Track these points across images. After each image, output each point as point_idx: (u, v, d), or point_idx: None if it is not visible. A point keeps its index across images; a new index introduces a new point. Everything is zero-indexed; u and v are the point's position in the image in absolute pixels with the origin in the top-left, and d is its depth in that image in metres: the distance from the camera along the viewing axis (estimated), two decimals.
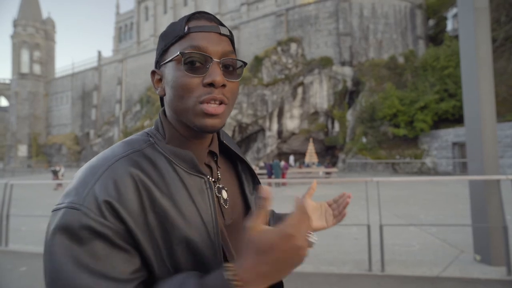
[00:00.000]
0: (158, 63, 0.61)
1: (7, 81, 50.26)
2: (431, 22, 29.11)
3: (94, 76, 45.13)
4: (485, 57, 3.79)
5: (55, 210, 0.48)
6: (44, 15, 50.92)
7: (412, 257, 4.10)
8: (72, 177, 0.54)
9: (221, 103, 0.56)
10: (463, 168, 17.89)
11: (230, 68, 0.58)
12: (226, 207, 0.61)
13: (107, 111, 43.42)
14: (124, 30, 50.22)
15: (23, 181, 6.19)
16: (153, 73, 0.63)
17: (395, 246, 4.48)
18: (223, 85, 0.55)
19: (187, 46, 0.55)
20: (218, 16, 36.48)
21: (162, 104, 0.67)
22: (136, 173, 0.51)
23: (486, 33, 3.81)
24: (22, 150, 45.30)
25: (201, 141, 0.62)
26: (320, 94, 26.32)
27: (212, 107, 0.54)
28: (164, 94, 0.60)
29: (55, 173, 15.26)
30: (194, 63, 0.55)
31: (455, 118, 19.54)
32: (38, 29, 48.35)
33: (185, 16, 0.59)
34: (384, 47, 27.33)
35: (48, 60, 49.93)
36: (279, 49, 28.15)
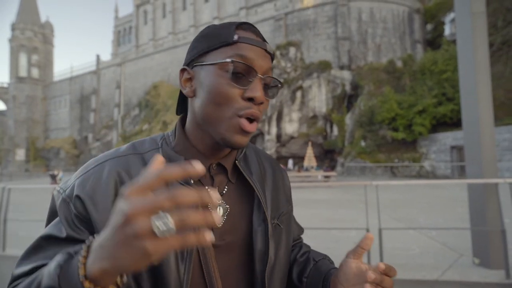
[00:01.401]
0: (192, 62, 0.58)
1: (5, 85, 50.24)
2: (429, 27, 29.38)
3: (92, 80, 45.17)
4: (482, 61, 3.82)
5: (56, 190, 0.57)
6: (43, 18, 51.23)
7: (411, 260, 4.09)
8: None
9: (255, 120, 0.55)
10: (462, 172, 17.93)
11: (268, 86, 0.57)
12: (218, 225, 0.51)
13: (106, 115, 43.40)
14: (123, 34, 50.37)
15: (20, 185, 6.15)
16: (183, 70, 0.60)
17: (394, 250, 4.47)
18: (261, 103, 0.55)
19: (235, 54, 0.53)
20: (216, 21, 36.68)
21: (181, 107, 0.66)
22: (119, 174, 0.53)
23: (483, 37, 3.84)
24: (20, 154, 45.15)
25: (213, 153, 0.59)
26: (319, 98, 26.41)
27: (249, 125, 0.53)
28: (193, 96, 0.58)
29: (53, 177, 15.21)
30: (239, 74, 0.53)
31: (453, 122, 19.63)
32: (37, 32, 48.45)
33: (232, 23, 0.57)
34: (382, 51, 27.52)
35: (46, 64, 49.96)
36: (278, 53, 28.28)
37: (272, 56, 0.60)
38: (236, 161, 0.63)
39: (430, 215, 7.18)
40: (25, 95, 46.76)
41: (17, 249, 4.80)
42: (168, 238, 0.31)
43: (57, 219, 0.53)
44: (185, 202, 0.31)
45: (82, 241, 0.48)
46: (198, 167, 0.33)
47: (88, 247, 0.38)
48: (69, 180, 0.56)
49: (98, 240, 0.36)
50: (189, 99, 0.60)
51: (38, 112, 47.99)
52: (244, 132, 0.54)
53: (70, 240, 0.50)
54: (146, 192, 0.33)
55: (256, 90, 0.53)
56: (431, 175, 19.52)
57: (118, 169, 0.53)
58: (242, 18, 34.04)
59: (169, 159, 0.57)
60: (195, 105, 0.58)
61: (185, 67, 0.60)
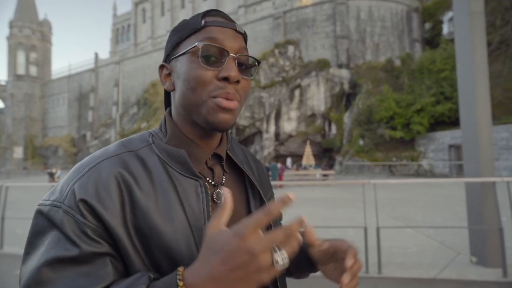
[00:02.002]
0: (169, 57, 0.60)
1: (3, 83, 49.96)
2: (427, 26, 29.40)
3: (91, 78, 44.99)
4: (480, 60, 3.83)
5: (41, 205, 0.49)
6: (41, 16, 50.89)
7: (409, 259, 4.11)
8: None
9: (233, 99, 0.55)
10: (460, 170, 18.00)
11: (244, 66, 0.57)
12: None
13: (104, 113, 43.27)
14: (121, 32, 50.15)
15: (18, 183, 6.14)
16: (161, 67, 0.61)
17: (392, 248, 4.49)
18: (237, 81, 0.54)
19: (204, 38, 0.54)
20: None
21: (167, 104, 0.66)
22: (121, 173, 0.50)
23: (481, 36, 3.85)
24: (18, 152, 44.95)
25: (207, 142, 0.60)
26: (318, 97, 26.42)
27: (226, 101, 0.53)
28: (173, 89, 0.59)
29: (51, 175, 15.17)
30: (210, 56, 0.53)
31: (451, 121, 19.68)
32: (35, 30, 48.16)
33: (200, 12, 0.58)
34: (381, 49, 27.53)
35: (44, 62, 49.71)
36: (276, 51, 28.26)
37: (245, 37, 0.60)
38: (228, 151, 0.64)
39: (428, 213, 7.21)
40: (23, 93, 46.53)
41: (15, 247, 4.79)
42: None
43: (52, 238, 0.45)
44: (293, 236, 0.38)
45: (102, 255, 0.45)
46: (291, 195, 0.38)
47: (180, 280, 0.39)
48: (57, 190, 0.49)
49: (196, 275, 0.38)
50: (171, 94, 0.62)
51: (36, 110, 47.77)
52: (224, 109, 0.53)
53: (87, 258, 0.44)
54: (258, 230, 0.37)
55: (229, 69, 0.53)
56: (429, 173, 19.59)
57: (117, 169, 0.50)
58: (241, 16, 33.97)
59: (168, 154, 0.56)
60: (176, 97, 0.59)
61: (163, 63, 0.61)
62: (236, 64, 0.55)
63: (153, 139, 0.59)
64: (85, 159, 0.54)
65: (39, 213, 0.49)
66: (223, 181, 0.61)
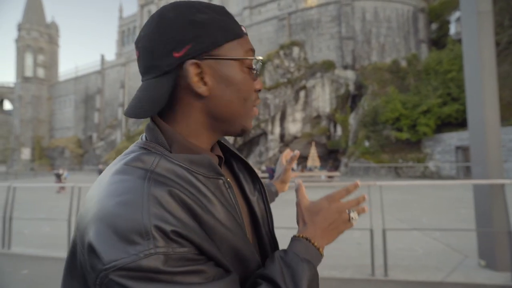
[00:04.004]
0: (203, 55, 0.51)
1: (11, 85, 50.69)
2: (434, 26, 29.16)
3: (97, 80, 45.45)
4: (488, 61, 3.78)
5: (123, 268, 0.38)
6: (48, 19, 51.57)
7: (415, 262, 4.06)
8: (94, 225, 0.42)
9: None
10: (467, 172, 17.78)
11: None
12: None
13: (110, 114, 43.65)
14: (127, 33, 50.61)
15: (26, 184, 6.21)
16: (195, 65, 0.51)
17: (398, 250, 4.44)
18: None
19: (249, 49, 0.56)
20: None
21: (163, 111, 0.56)
22: (175, 193, 0.45)
23: (489, 36, 3.80)
24: (26, 153, 45.54)
25: (211, 148, 0.61)
26: (323, 98, 26.35)
27: (256, 109, 0.60)
28: (209, 94, 0.52)
29: (58, 176, 15.32)
30: (253, 69, 0.57)
31: (458, 122, 19.47)
32: (42, 33, 48.81)
33: (222, 9, 0.55)
34: (386, 50, 27.38)
35: (51, 64, 50.35)
36: (281, 53, 28.26)
37: None
38: (222, 141, 0.68)
39: (434, 216, 7.13)
40: (31, 95, 47.14)
41: (22, 247, 4.84)
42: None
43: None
44: (360, 202, 0.61)
45: (214, 267, 0.46)
46: (359, 183, 0.63)
47: (306, 242, 0.57)
48: (119, 244, 0.39)
49: (311, 232, 0.58)
50: (194, 99, 0.53)
51: (43, 111, 48.36)
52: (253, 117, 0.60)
53: (213, 275, 0.44)
54: (340, 198, 0.61)
55: (259, 82, 0.59)
56: (436, 175, 19.39)
57: (167, 189, 0.45)
58: (246, 18, 34.06)
59: (190, 161, 0.51)
60: (211, 103, 0.53)
61: (196, 61, 0.51)
62: None
63: (157, 150, 0.52)
64: (118, 191, 0.44)
65: (129, 273, 0.38)
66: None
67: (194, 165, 0.51)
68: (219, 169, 0.54)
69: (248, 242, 0.53)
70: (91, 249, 0.40)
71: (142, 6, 46.44)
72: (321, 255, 0.57)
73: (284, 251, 0.55)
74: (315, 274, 0.53)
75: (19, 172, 36.55)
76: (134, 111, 0.53)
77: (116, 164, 0.50)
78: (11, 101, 50.53)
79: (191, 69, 0.50)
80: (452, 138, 19.12)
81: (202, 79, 0.52)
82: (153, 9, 44.63)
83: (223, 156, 0.63)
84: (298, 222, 0.63)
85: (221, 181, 0.54)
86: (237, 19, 34.70)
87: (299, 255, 0.54)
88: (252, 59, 0.56)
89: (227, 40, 0.52)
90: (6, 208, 4.90)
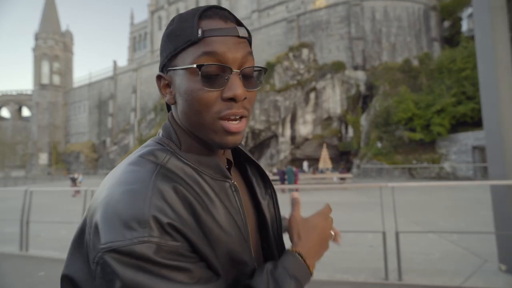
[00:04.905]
0: (165, 67, 0.54)
1: (29, 92, 52.30)
2: (446, 24, 28.58)
3: (110, 85, 46.41)
4: (503, 58, 3.67)
5: (117, 250, 0.41)
6: (63, 27, 52.97)
7: (431, 265, 3.96)
8: (101, 210, 0.46)
9: (241, 117, 0.52)
10: (485, 173, 17.27)
11: (249, 76, 0.53)
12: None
13: (123, 119, 44.46)
14: (138, 39, 51.56)
15: (42, 188, 6.37)
16: (159, 77, 0.56)
17: (413, 254, 4.34)
18: (244, 98, 0.51)
19: (202, 53, 0.49)
20: None
21: (169, 109, 0.61)
22: (179, 189, 0.48)
23: (503, 33, 3.69)
24: (43, 158, 46.83)
25: (220, 150, 0.59)
26: (333, 99, 26.14)
27: (233, 125, 0.51)
28: (174, 103, 0.55)
29: (73, 180, 15.67)
30: (212, 75, 0.49)
31: (474, 121, 18.96)
32: (57, 41, 50.24)
33: (195, 12, 0.51)
34: (397, 50, 26.98)
35: (66, 71, 51.73)
36: (290, 55, 28.22)
37: (249, 38, 0.55)
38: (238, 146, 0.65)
39: (451, 218, 6.94)
40: (47, 101, 48.51)
41: (39, 250, 4.96)
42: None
43: (151, 281, 0.41)
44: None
45: (205, 268, 0.47)
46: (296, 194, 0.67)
47: (297, 256, 0.56)
48: (119, 228, 0.42)
49: (305, 247, 0.57)
50: (172, 106, 0.57)
51: (59, 117, 49.67)
52: (232, 133, 0.51)
53: (199, 275, 0.45)
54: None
55: (234, 88, 0.49)
56: (452, 176, 18.91)
57: (172, 185, 0.48)
58: (254, 21, 34.20)
59: (199, 162, 0.54)
60: (178, 112, 0.55)
61: (161, 73, 0.56)
62: (241, 78, 0.51)
63: (169, 148, 0.55)
64: (131, 186, 0.46)
65: (121, 257, 0.41)
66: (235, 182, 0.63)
67: (202, 166, 0.54)
68: (226, 172, 0.56)
69: (247, 247, 0.53)
70: (96, 229, 0.44)
71: (152, 13, 47.26)
72: (311, 274, 0.55)
73: (275, 264, 0.54)
74: None
75: (37, 176, 37.60)
76: None
77: (132, 155, 0.55)
78: (29, 107, 52.11)
79: (156, 81, 0.57)
80: (468, 138, 18.63)
81: (169, 89, 0.55)
82: (163, 15, 45.37)
83: (232, 160, 0.63)
84: (291, 236, 0.61)
85: (227, 184, 0.55)
86: (246, 22, 35.04)
87: (288, 271, 0.52)
88: (195, 67, 0.49)
89: (178, 50, 0.51)
90: (24, 212, 5.04)
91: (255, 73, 0.54)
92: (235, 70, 0.50)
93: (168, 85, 0.55)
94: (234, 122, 0.51)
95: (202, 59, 0.49)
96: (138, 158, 0.52)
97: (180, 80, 0.51)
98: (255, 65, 0.54)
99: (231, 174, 0.61)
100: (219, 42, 0.49)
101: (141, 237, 0.41)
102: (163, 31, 0.56)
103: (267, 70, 0.56)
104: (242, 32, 0.52)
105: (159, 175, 0.48)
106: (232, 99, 0.50)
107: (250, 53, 0.54)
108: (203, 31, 0.49)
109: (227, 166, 0.61)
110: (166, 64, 0.54)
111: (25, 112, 55.09)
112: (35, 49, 49.72)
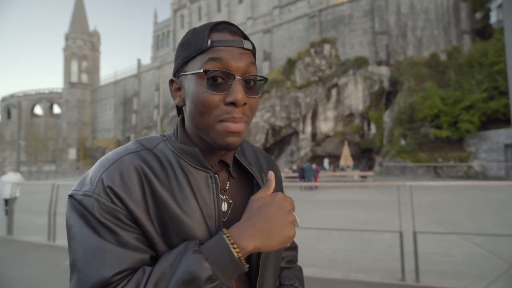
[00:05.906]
0: (178, 73, 0.61)
1: (60, 90, 54.92)
2: (478, 15, 27.02)
3: (134, 83, 47.82)
4: None
5: (73, 196, 0.54)
6: (91, 28, 55.07)
7: (452, 268, 3.81)
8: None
9: (240, 121, 0.57)
10: None
11: (252, 83, 0.58)
12: (223, 220, 0.60)
13: (146, 116, 45.73)
14: (161, 38, 52.69)
15: (68, 182, 6.69)
16: (171, 82, 0.63)
17: (432, 255, 4.19)
18: (244, 103, 0.56)
19: (209, 59, 0.55)
20: (250, 21, 36.91)
21: (179, 112, 0.68)
22: (141, 167, 0.55)
23: None
24: (72, 153, 49.13)
25: (215, 152, 0.62)
26: (355, 95, 25.57)
27: (233, 125, 0.55)
28: (184, 105, 0.61)
29: None
30: (216, 80, 0.54)
31: (507, 118, 17.91)
32: (86, 41, 52.33)
33: (207, 26, 0.58)
34: (424, 44, 25.91)
35: (94, 70, 53.81)
36: (312, 50, 27.84)
37: (253, 51, 0.61)
38: (236, 155, 0.67)
39: (477, 219, 6.63)
40: (76, 99, 50.73)
41: (65, 240, 5.23)
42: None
43: (90, 225, 0.50)
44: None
45: (138, 236, 0.52)
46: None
47: (225, 234, 0.51)
48: (87, 182, 0.54)
49: (241, 227, 0.52)
50: (183, 107, 0.63)
51: (87, 114, 51.83)
52: (232, 133, 0.55)
53: (126, 241, 0.51)
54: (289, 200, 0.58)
55: (236, 93, 0.54)
56: (481, 176, 18.00)
57: (138, 162, 0.55)
58: (276, 17, 33.96)
59: (181, 149, 0.60)
60: (186, 113, 0.61)
61: (173, 78, 0.63)
62: (243, 85, 0.56)
63: (166, 141, 0.63)
64: (109, 154, 0.58)
65: (74, 202, 0.53)
66: (227, 187, 0.64)
67: (184, 154, 0.59)
68: (205, 163, 0.59)
69: (207, 233, 0.55)
70: None
71: (175, 11, 48.09)
72: (236, 257, 0.49)
73: (196, 243, 0.52)
74: (196, 278, 0.46)
75: (66, 170, 39.54)
76: None
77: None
78: (60, 105, 54.72)
79: (169, 85, 0.64)
80: (500, 136, 17.65)
81: (180, 93, 0.62)
82: (185, 13, 46.05)
83: (229, 163, 0.65)
84: None
85: (208, 175, 0.59)
86: (267, 18, 34.89)
87: (202, 250, 0.50)
88: (201, 72, 0.54)
89: (189, 57, 0.58)
90: (51, 204, 5.33)
91: (258, 82, 0.60)
92: (237, 77, 0.55)
93: (179, 89, 0.62)
94: (233, 123, 0.56)
95: (209, 64, 0.54)
96: (134, 141, 0.62)
97: (189, 84, 0.57)
98: (259, 75, 0.60)
99: (232, 176, 0.65)
100: (225, 51, 0.55)
101: (88, 191, 0.52)
102: (185, 29, 0.60)
103: (267, 80, 0.62)
104: (247, 44, 0.58)
105: (134, 154, 0.57)
106: (233, 104, 0.55)
107: (253, 63, 0.59)
108: (212, 42, 0.55)
109: (228, 169, 0.65)
110: (178, 70, 0.61)
111: (56, 109, 57.98)
112: (65, 49, 52.06)
